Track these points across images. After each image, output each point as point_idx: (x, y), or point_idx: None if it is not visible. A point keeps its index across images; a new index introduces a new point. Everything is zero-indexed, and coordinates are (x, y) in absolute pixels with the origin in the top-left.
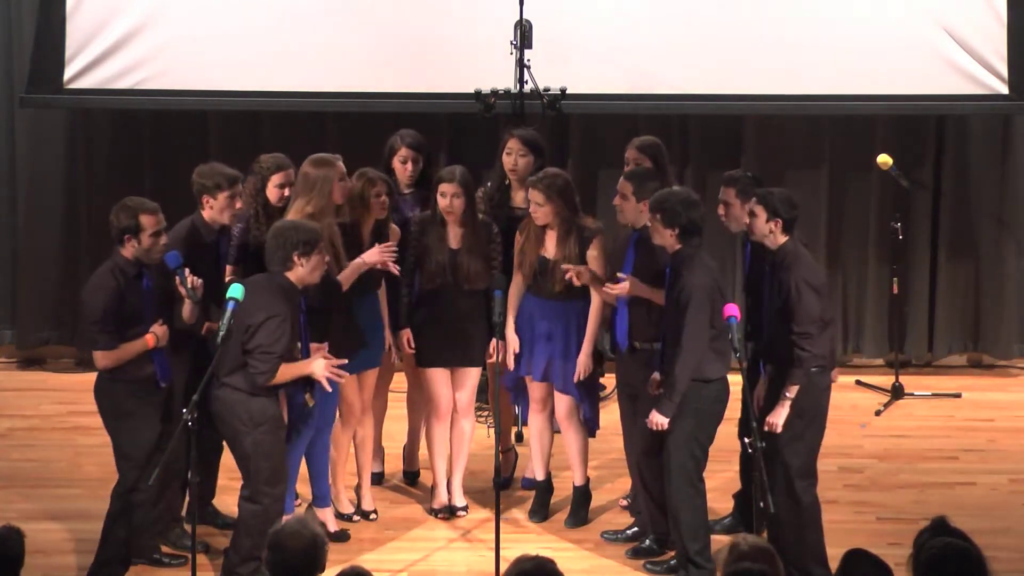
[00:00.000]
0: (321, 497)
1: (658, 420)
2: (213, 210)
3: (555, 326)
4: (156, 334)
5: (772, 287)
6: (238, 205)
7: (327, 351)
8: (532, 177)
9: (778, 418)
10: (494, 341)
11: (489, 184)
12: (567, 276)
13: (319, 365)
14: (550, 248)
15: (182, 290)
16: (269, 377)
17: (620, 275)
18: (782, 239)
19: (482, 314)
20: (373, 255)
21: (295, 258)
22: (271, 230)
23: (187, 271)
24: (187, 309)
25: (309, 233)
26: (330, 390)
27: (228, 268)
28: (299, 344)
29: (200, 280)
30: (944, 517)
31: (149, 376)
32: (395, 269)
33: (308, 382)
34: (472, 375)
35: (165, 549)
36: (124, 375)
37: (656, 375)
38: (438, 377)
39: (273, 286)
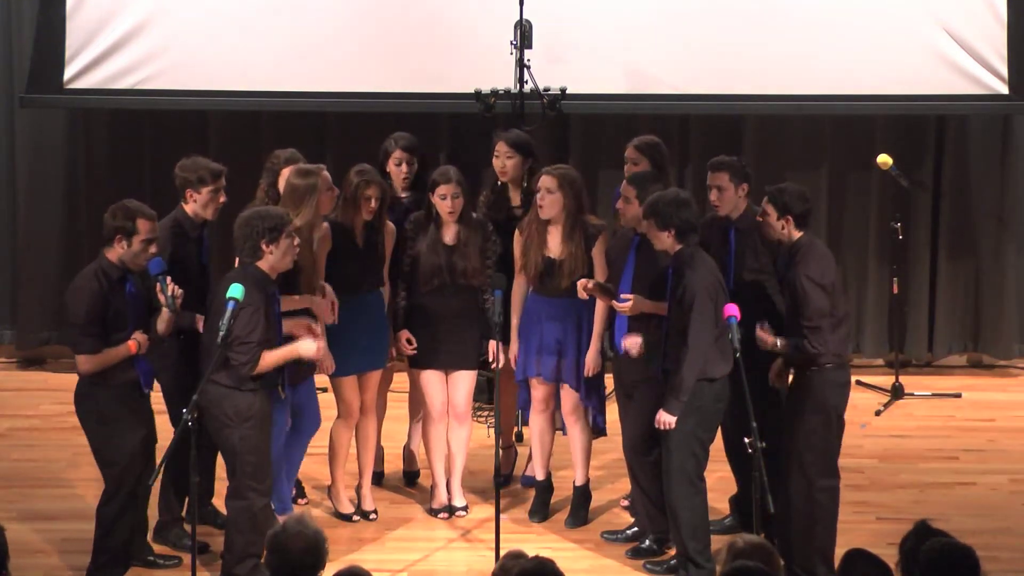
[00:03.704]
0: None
1: (666, 419)
2: (197, 204)
3: (563, 324)
4: (138, 341)
5: (785, 283)
6: (222, 199)
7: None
8: (542, 168)
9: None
10: (492, 344)
11: (486, 192)
12: (579, 291)
13: (307, 346)
14: (553, 247)
15: (162, 297)
16: (252, 367)
17: (624, 295)
18: (797, 234)
19: (477, 315)
20: (320, 308)
21: (263, 246)
22: (237, 221)
23: (168, 279)
24: (164, 320)
25: (274, 219)
26: (321, 363)
27: (237, 261)
28: (276, 335)
29: (180, 290)
30: (926, 520)
31: (132, 381)
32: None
33: (280, 375)
34: (467, 378)
35: (159, 550)
36: (108, 380)
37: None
38: (432, 379)
39: (246, 277)
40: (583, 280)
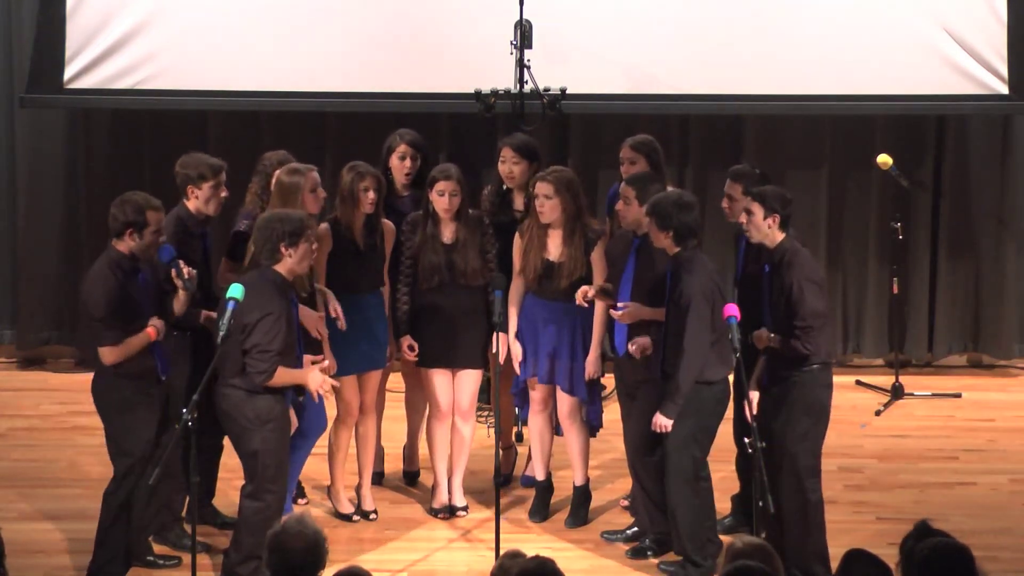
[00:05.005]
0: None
1: (662, 422)
2: (199, 200)
3: (560, 327)
4: (156, 327)
5: (774, 286)
6: (223, 194)
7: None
8: (540, 172)
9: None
10: (495, 335)
11: (489, 187)
12: (579, 299)
13: (315, 377)
14: (553, 250)
15: (178, 282)
16: (267, 377)
17: (620, 304)
18: (779, 236)
19: (482, 313)
20: (309, 321)
21: (282, 249)
22: (257, 222)
23: (181, 262)
24: (180, 301)
25: (294, 223)
26: (316, 400)
27: (224, 261)
28: (296, 341)
29: (194, 270)
30: (926, 520)
31: (150, 369)
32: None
33: (300, 387)
34: (473, 377)
35: (159, 550)
36: (127, 369)
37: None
38: (439, 378)
39: (265, 282)
40: (582, 289)
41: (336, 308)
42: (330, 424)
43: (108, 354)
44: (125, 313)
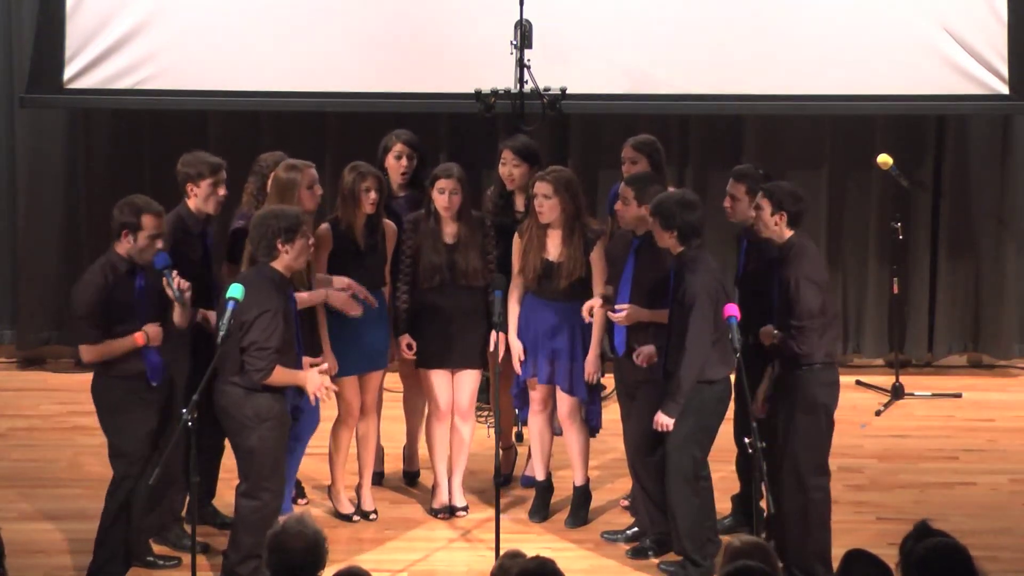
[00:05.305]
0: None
1: (663, 421)
2: (198, 198)
3: (559, 327)
4: (147, 333)
5: (779, 283)
6: (222, 192)
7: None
8: (539, 172)
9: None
10: (494, 334)
11: (492, 189)
12: (584, 318)
13: (313, 379)
14: (552, 250)
15: (169, 292)
16: (265, 375)
17: (619, 306)
18: (787, 233)
19: (482, 314)
20: (339, 300)
21: (279, 245)
22: (253, 220)
23: (175, 274)
24: (178, 313)
25: (290, 219)
26: (313, 404)
27: (224, 265)
28: (295, 336)
29: (187, 283)
30: (926, 521)
31: (139, 374)
32: (357, 310)
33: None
34: (472, 377)
35: (159, 550)
36: (114, 371)
37: (644, 348)
38: (438, 378)
39: (263, 279)
40: (587, 305)
41: (362, 289)
42: (330, 424)
43: (85, 352)
44: (111, 315)
